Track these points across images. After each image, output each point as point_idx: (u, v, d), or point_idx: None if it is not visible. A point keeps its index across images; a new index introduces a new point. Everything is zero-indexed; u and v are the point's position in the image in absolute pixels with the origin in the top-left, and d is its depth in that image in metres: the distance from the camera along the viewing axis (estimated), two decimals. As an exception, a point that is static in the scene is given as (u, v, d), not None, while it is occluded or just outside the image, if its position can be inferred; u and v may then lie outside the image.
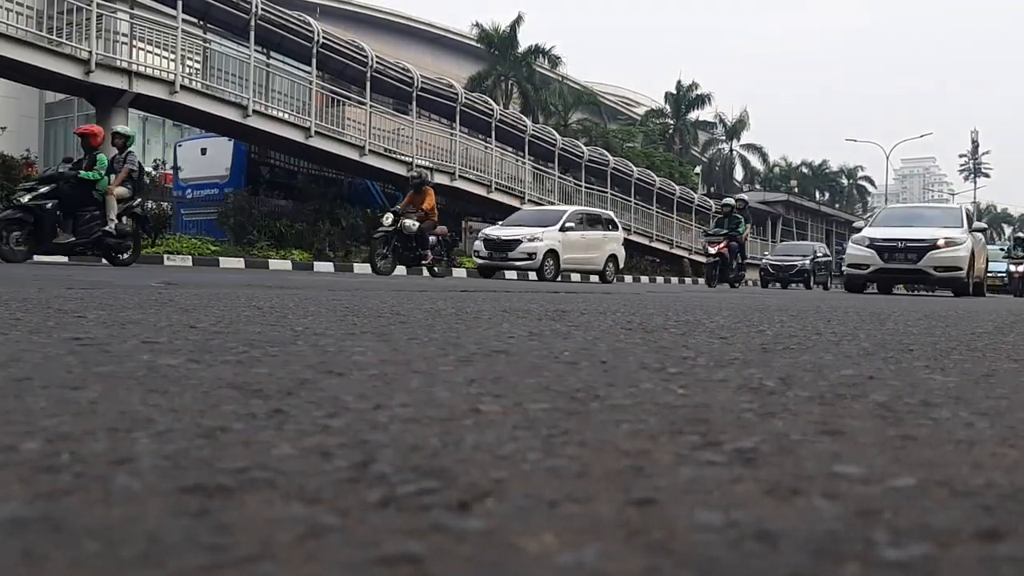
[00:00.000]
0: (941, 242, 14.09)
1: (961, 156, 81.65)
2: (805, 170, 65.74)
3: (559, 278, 17.70)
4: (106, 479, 0.72)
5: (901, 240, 14.32)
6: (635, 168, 32.41)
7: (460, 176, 24.38)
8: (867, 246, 14.45)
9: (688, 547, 0.58)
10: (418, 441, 0.90)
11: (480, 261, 17.66)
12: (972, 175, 72.04)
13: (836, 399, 1.29)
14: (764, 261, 27.90)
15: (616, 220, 20.61)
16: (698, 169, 47.98)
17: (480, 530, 0.61)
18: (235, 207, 20.47)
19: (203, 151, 22.92)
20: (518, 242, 17.30)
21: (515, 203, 25.78)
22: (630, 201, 31.81)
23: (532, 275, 17.75)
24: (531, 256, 17.07)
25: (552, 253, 17.34)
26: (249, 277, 8.11)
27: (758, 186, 55.96)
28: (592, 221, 19.25)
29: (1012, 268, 22.94)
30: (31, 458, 0.78)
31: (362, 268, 17.42)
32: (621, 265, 19.59)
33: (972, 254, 14.46)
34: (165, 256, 15.78)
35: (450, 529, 0.61)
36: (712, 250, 16.66)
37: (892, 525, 0.64)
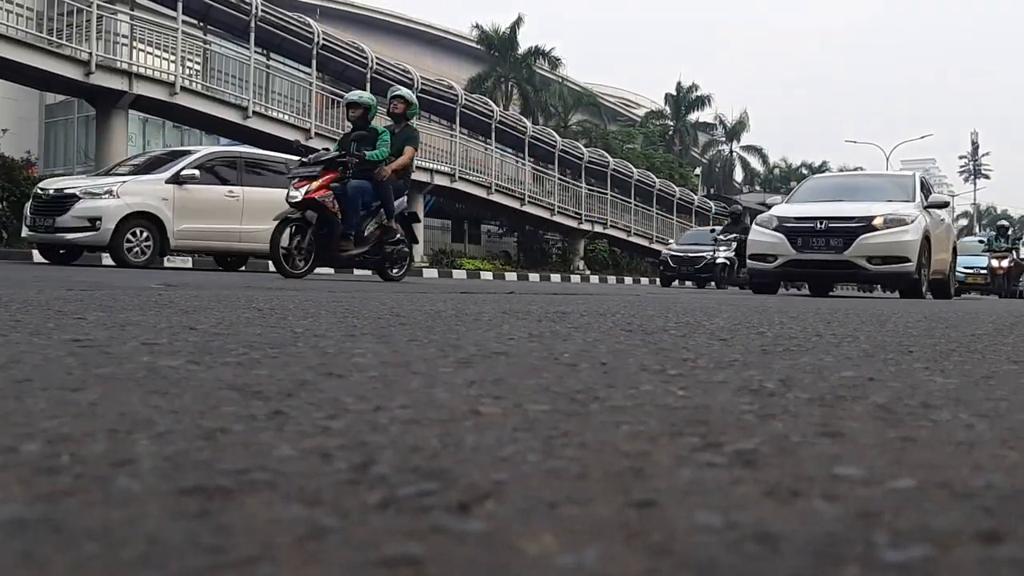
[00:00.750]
0: (879, 220, 9.58)
1: (961, 157, 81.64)
2: (805, 171, 65.69)
3: (168, 260, 11.61)
4: (106, 480, 0.72)
5: (820, 219, 9.76)
6: (635, 169, 32.44)
7: (460, 178, 24.38)
8: (774, 229, 10.05)
9: (688, 549, 0.58)
10: (418, 442, 0.90)
11: (27, 232, 11.19)
12: (972, 176, 72.01)
13: (836, 401, 1.29)
14: (664, 252, 21.85)
15: None
16: (698, 170, 48.02)
17: (480, 532, 0.61)
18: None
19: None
20: (74, 200, 10.35)
21: (515, 204, 25.79)
22: (630, 203, 31.82)
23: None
24: (93, 223, 10.25)
25: (145, 220, 10.48)
26: (249, 279, 8.11)
27: (758, 187, 55.95)
28: (256, 169, 11.66)
29: (994, 263, 19.00)
30: (31, 459, 0.78)
31: (361, 272, 17.37)
32: None
33: (926, 238, 9.90)
34: (165, 258, 15.78)
35: (450, 531, 0.61)
36: (297, 193, 7.80)
37: (892, 527, 0.64)
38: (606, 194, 30.63)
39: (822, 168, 65.97)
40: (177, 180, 10.74)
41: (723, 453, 0.89)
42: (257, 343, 1.87)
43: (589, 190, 30.01)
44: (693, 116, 48.36)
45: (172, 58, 18.06)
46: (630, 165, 32.58)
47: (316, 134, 20.37)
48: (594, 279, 24.24)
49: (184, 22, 18.62)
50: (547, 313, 3.52)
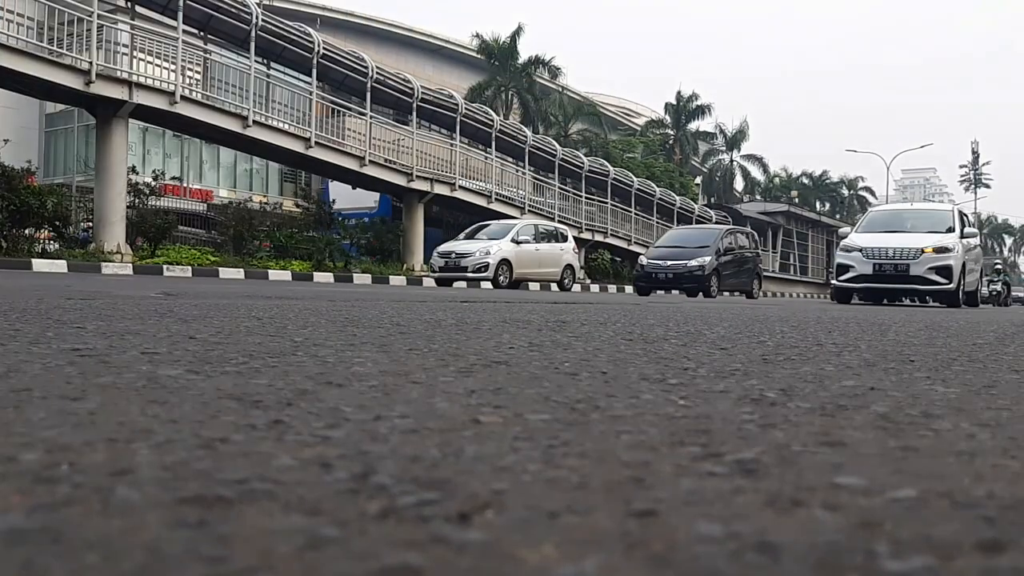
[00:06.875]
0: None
1: (962, 167, 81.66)
2: (805, 180, 65.76)
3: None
4: (105, 490, 0.71)
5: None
6: (635, 179, 32.45)
7: (460, 187, 24.41)
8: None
9: (689, 559, 0.58)
10: (418, 452, 0.90)
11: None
12: (973, 186, 72.02)
13: (837, 410, 1.28)
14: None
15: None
16: (698, 180, 48.10)
17: (480, 542, 0.61)
18: (236, 217, 20.68)
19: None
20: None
21: (515, 213, 25.82)
22: (631, 211, 31.86)
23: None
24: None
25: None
26: (250, 287, 8.11)
27: (758, 196, 55.99)
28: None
29: None
30: (31, 469, 0.78)
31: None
32: None
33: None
34: (164, 266, 15.81)
35: (450, 541, 0.61)
36: None
37: (893, 537, 0.64)
38: (606, 203, 30.65)
39: (822, 177, 65.98)
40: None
41: (724, 463, 0.89)
42: (257, 352, 1.87)
43: (589, 199, 30.03)
44: (693, 125, 48.41)
45: (172, 67, 18.09)
46: (630, 174, 32.60)
47: (316, 143, 20.39)
48: (594, 288, 24.23)
49: (184, 31, 18.65)
50: (547, 322, 3.52)
